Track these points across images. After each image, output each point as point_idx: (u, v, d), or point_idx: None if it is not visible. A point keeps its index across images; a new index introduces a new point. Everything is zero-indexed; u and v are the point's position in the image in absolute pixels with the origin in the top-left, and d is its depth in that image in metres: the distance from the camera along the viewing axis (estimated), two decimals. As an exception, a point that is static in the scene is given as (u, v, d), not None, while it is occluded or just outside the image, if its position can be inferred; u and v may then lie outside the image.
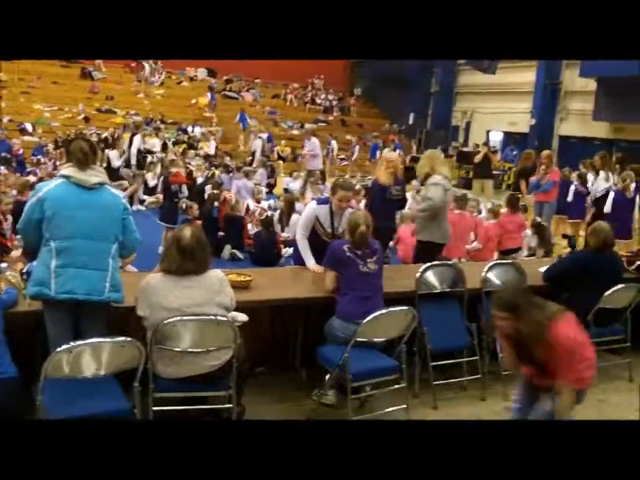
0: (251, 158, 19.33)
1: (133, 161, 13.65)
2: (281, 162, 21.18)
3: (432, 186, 6.67)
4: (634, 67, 16.82)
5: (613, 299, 5.79)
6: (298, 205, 10.48)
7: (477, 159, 16.67)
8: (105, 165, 12.97)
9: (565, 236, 12.02)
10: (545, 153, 11.65)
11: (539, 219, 10.48)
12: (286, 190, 14.09)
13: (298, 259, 6.08)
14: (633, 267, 6.63)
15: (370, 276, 4.83)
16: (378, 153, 23.43)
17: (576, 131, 23.39)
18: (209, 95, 27.54)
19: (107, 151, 14.57)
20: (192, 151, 18.58)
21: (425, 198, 6.72)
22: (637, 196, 10.52)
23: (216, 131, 23.50)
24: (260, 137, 20.24)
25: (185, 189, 10.99)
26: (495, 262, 6.03)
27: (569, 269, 6.02)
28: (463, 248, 8.73)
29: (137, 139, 13.78)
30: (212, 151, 19.72)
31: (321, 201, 6.10)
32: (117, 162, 13.96)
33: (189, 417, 4.16)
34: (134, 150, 13.61)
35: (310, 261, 5.69)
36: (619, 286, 5.79)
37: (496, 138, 27.05)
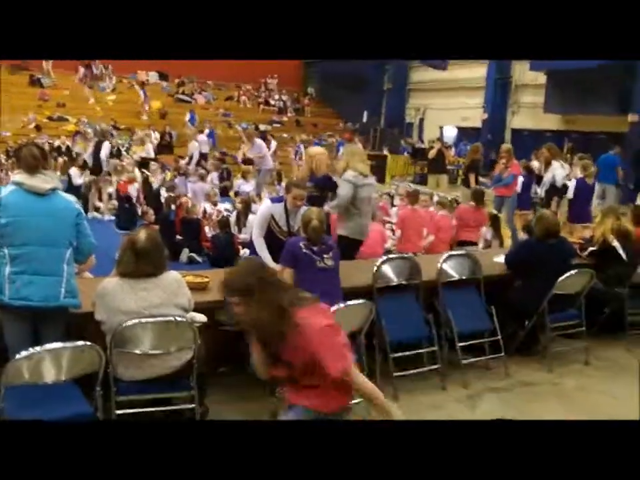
0: (187, 160, 18.88)
1: (106, 167, 13.46)
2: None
3: (342, 182, 6.67)
4: (582, 60, 17.17)
5: (567, 285, 5.94)
6: (254, 206, 10.48)
7: (431, 154, 16.89)
8: (65, 181, 12.79)
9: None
10: (505, 146, 11.77)
11: (494, 212, 10.67)
12: (236, 193, 14.05)
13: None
14: (586, 253, 6.81)
15: (327, 271, 4.89)
16: (341, 149, 23.56)
17: (528, 123, 23.82)
18: (140, 92, 27.31)
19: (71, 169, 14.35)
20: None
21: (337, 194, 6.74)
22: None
23: (149, 133, 22.85)
24: (196, 140, 19.90)
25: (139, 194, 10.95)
26: (449, 253, 6.12)
27: (520, 256, 6.18)
28: (419, 242, 8.83)
29: (106, 146, 13.65)
30: (151, 154, 18.84)
31: (275, 200, 6.13)
32: (78, 180, 13.77)
33: (151, 419, 4.16)
34: (104, 157, 13.48)
35: (267, 260, 5.72)
36: (573, 272, 5.95)
37: (450, 133, 27.38)
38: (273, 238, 5.84)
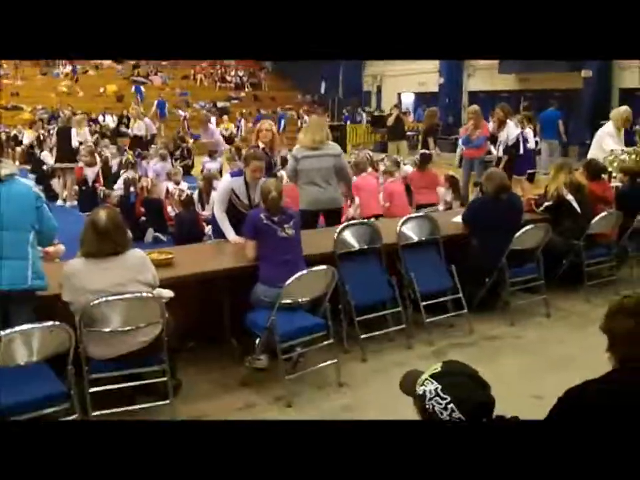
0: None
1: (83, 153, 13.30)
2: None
3: (288, 156, 6.85)
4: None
5: (524, 240, 6.11)
6: (216, 183, 10.48)
7: (390, 121, 16.93)
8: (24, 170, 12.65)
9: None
10: (472, 108, 11.63)
11: (451, 173, 10.80)
12: (202, 170, 14.05)
13: (218, 234, 6.17)
14: (541, 208, 6.98)
15: (288, 240, 4.98)
16: (283, 122, 23.68)
17: (484, 85, 24.05)
18: (132, 88, 27.00)
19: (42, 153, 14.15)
20: (105, 140, 18.21)
21: None
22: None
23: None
24: (143, 121, 19.61)
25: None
26: (408, 216, 6.25)
27: (473, 213, 6.34)
28: (376, 205, 8.92)
29: (75, 132, 13.51)
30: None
31: (234, 174, 6.19)
32: (50, 160, 13.62)
33: (124, 396, 4.23)
34: (76, 143, 13.32)
35: (230, 234, 5.79)
36: (529, 227, 6.12)
37: (407, 100, 27.51)
38: (235, 212, 5.92)
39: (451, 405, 2.07)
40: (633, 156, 8.64)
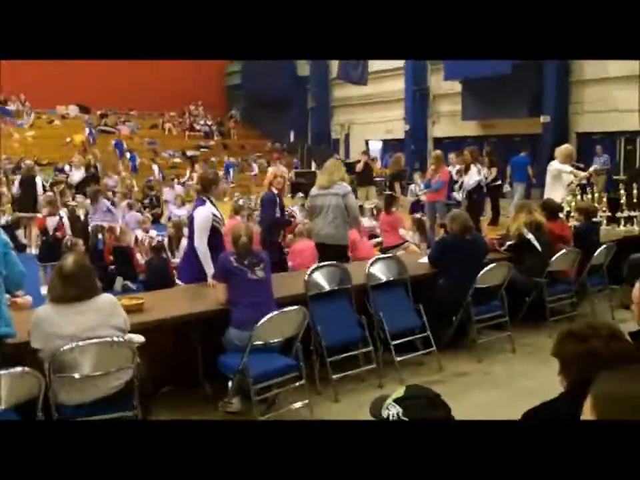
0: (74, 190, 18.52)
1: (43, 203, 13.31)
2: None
3: None
4: (494, 66, 17.90)
5: (488, 278, 6.27)
6: (185, 230, 10.53)
7: (358, 168, 17.21)
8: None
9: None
10: (434, 153, 12.11)
11: (418, 215, 11.02)
12: (169, 218, 14.14)
13: (188, 278, 6.24)
14: (504, 248, 7.17)
15: (259, 283, 5.06)
16: (231, 171, 23.98)
17: (448, 132, 24.53)
18: (87, 130, 27.07)
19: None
20: (73, 190, 18.22)
21: None
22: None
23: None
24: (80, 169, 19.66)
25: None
26: (376, 257, 6.39)
27: (439, 253, 6.49)
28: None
29: (39, 180, 13.60)
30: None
31: (202, 202, 6.20)
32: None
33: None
34: (41, 191, 13.43)
35: (211, 269, 5.78)
36: (492, 265, 6.28)
37: (375, 147, 27.94)
38: (215, 235, 6.10)
39: None
40: (589, 196, 8.96)
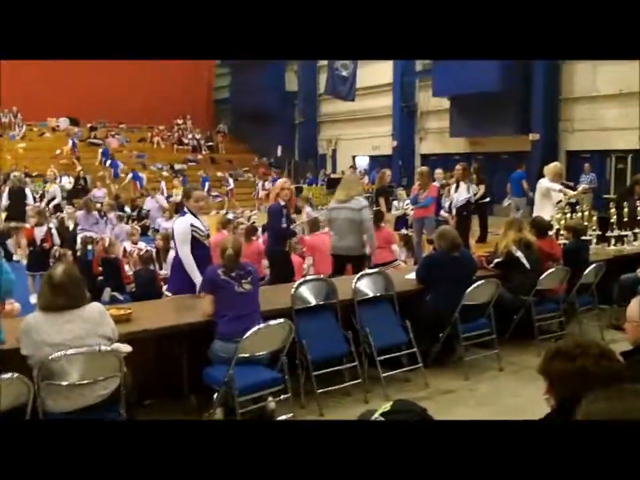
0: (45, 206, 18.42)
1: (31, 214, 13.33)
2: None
3: None
4: (483, 83, 18.05)
5: (476, 295, 6.27)
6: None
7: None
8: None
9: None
10: (421, 169, 12.16)
11: (405, 231, 11.04)
12: (156, 230, 14.15)
13: (177, 287, 6.25)
14: (492, 265, 7.17)
15: (245, 296, 5.07)
16: (207, 184, 24.11)
17: (435, 148, 24.68)
18: (69, 141, 27.08)
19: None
20: (63, 202, 18.30)
21: None
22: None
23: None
24: (55, 183, 19.66)
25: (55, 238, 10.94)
26: (363, 273, 6.40)
27: (426, 269, 6.50)
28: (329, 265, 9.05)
29: (29, 191, 13.60)
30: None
31: (182, 213, 6.39)
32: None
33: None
34: (31, 201, 13.44)
35: (198, 278, 5.85)
36: (480, 282, 6.29)
37: (362, 162, 28.04)
38: (199, 248, 6.14)
39: None
40: (579, 214, 9.00)
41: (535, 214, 8.94)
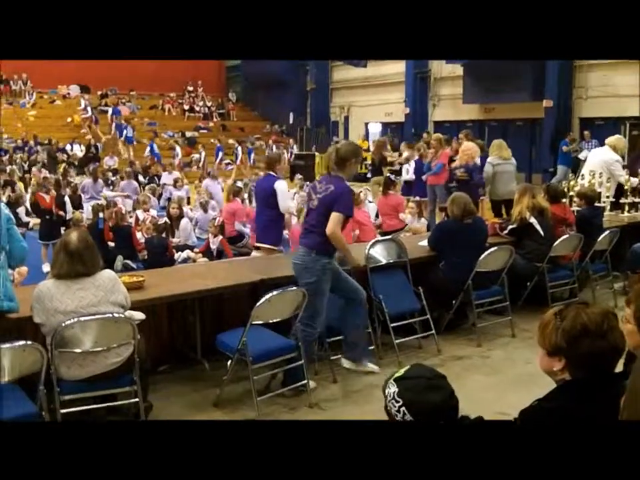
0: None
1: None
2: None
3: (486, 164, 9.82)
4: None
5: (489, 262, 6.22)
6: (186, 210, 10.58)
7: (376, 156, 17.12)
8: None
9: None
10: (435, 135, 12.01)
11: (418, 198, 10.97)
12: (169, 199, 14.17)
13: (274, 239, 7.12)
14: (506, 232, 7.14)
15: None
16: (220, 154, 24.07)
17: (448, 115, 24.44)
18: (88, 109, 27.03)
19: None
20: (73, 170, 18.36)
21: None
22: None
23: None
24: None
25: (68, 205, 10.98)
26: (376, 240, 6.37)
27: (439, 237, 6.46)
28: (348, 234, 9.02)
29: None
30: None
31: (276, 177, 7.14)
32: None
33: (96, 417, 4.24)
34: None
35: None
36: (493, 249, 6.24)
37: (375, 129, 27.85)
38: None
39: (403, 408, 2.18)
40: (593, 180, 8.89)
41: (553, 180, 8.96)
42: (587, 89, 19.82)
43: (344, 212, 4.95)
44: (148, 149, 23.98)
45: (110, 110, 26.27)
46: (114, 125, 26.01)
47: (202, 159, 24.14)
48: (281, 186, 7.02)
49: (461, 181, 8.91)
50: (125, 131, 24.96)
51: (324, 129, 28.94)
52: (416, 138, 24.09)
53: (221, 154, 24.63)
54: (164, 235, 9.76)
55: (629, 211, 9.07)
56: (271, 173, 7.19)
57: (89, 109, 27.37)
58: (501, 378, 5.47)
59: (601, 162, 9.30)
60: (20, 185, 16.54)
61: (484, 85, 21.11)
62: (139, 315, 4.50)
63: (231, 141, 27.34)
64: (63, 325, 3.90)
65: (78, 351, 3.99)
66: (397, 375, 2.27)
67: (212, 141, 26.55)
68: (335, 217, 4.90)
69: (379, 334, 5.84)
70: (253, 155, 25.50)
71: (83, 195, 13.11)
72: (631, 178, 9.17)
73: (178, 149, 24.70)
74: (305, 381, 4.94)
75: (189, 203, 14.29)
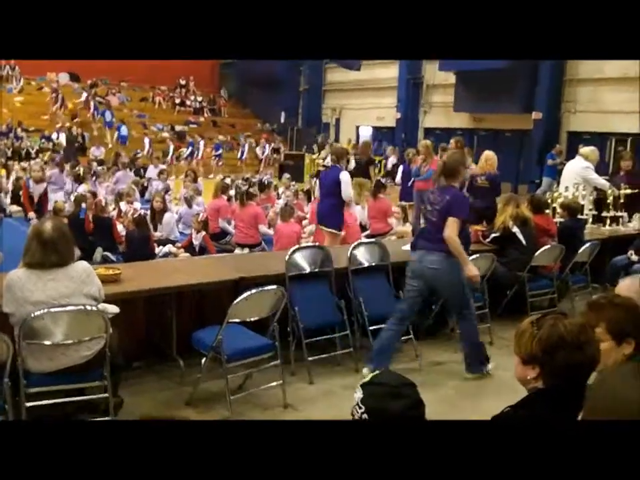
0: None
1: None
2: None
3: None
4: (489, 61, 17.86)
5: (471, 270, 6.20)
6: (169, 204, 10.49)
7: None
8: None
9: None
10: (424, 142, 12.01)
11: (403, 203, 10.95)
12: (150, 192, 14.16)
13: (337, 223, 8.00)
14: (488, 240, 7.15)
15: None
16: (220, 150, 24.13)
17: (439, 122, 24.50)
18: (84, 94, 26.94)
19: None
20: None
21: None
22: None
23: None
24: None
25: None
26: (359, 241, 6.33)
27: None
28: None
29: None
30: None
31: (340, 168, 8.07)
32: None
33: (63, 413, 4.15)
34: None
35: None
36: (475, 256, 6.22)
37: (366, 133, 27.86)
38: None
39: (365, 415, 2.13)
40: (576, 192, 8.93)
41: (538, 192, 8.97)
42: (576, 103, 19.92)
43: (459, 216, 5.30)
44: (116, 133, 23.82)
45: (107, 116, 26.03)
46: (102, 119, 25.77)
47: (200, 153, 24.09)
48: (345, 177, 7.95)
49: (481, 188, 8.79)
50: (117, 132, 24.70)
51: (315, 130, 28.90)
52: (406, 144, 24.26)
53: (221, 150, 24.48)
54: (145, 228, 9.64)
55: (610, 224, 9.12)
56: (337, 165, 8.11)
57: (84, 94, 27.14)
58: (478, 384, 5.46)
59: (572, 172, 9.46)
60: (1, 172, 16.36)
61: (475, 94, 21.21)
62: (113, 309, 4.40)
63: (220, 137, 27.23)
64: (32, 315, 3.79)
65: (47, 343, 3.89)
66: (364, 380, 2.22)
67: (220, 138, 26.50)
68: (451, 221, 5.24)
69: (357, 336, 5.80)
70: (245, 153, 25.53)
71: (49, 186, 12.85)
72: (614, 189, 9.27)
73: (147, 140, 24.48)
74: (281, 381, 4.89)
75: (166, 194, 14.15)
